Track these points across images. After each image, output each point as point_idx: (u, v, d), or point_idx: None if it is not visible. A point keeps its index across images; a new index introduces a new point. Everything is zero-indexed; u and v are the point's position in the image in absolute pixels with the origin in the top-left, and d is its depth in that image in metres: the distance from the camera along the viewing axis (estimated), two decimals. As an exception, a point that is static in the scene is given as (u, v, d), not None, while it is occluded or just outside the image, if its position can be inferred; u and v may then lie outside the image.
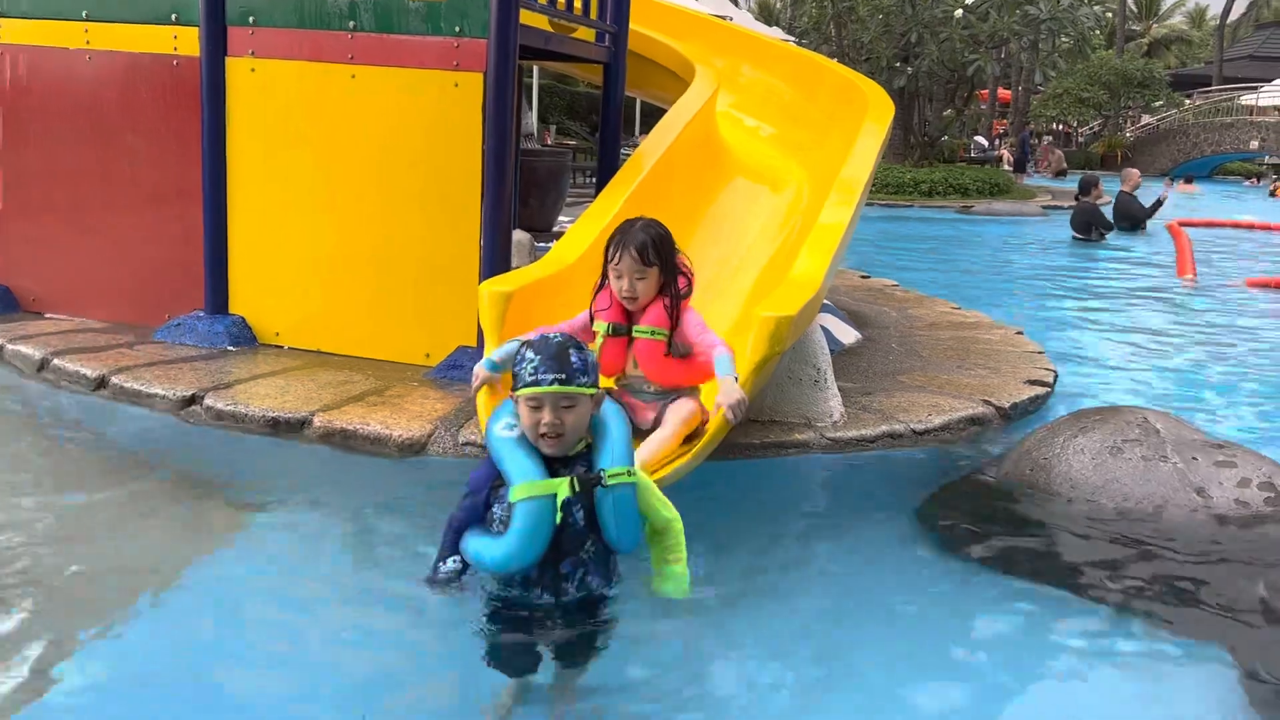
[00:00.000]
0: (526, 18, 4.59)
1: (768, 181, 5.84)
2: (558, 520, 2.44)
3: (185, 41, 4.90)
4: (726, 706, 2.37)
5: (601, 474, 2.49)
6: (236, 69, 4.82)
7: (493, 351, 3.27)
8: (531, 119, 17.33)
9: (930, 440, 4.18)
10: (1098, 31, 32.90)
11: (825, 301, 5.05)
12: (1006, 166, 27.34)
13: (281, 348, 4.94)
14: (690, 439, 3.29)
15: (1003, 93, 37.58)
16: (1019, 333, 6.15)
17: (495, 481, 2.54)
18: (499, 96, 4.41)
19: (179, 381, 4.26)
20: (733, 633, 2.65)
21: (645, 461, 3.03)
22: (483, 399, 3.19)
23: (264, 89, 4.80)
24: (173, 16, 4.94)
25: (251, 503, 3.38)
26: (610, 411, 2.63)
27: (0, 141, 5.29)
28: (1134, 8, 54.25)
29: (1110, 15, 41.60)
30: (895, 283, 7.93)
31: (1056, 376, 5.18)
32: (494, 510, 2.53)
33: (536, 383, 2.46)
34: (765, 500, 3.67)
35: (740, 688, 2.45)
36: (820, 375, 4.15)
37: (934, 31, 19.91)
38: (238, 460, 3.77)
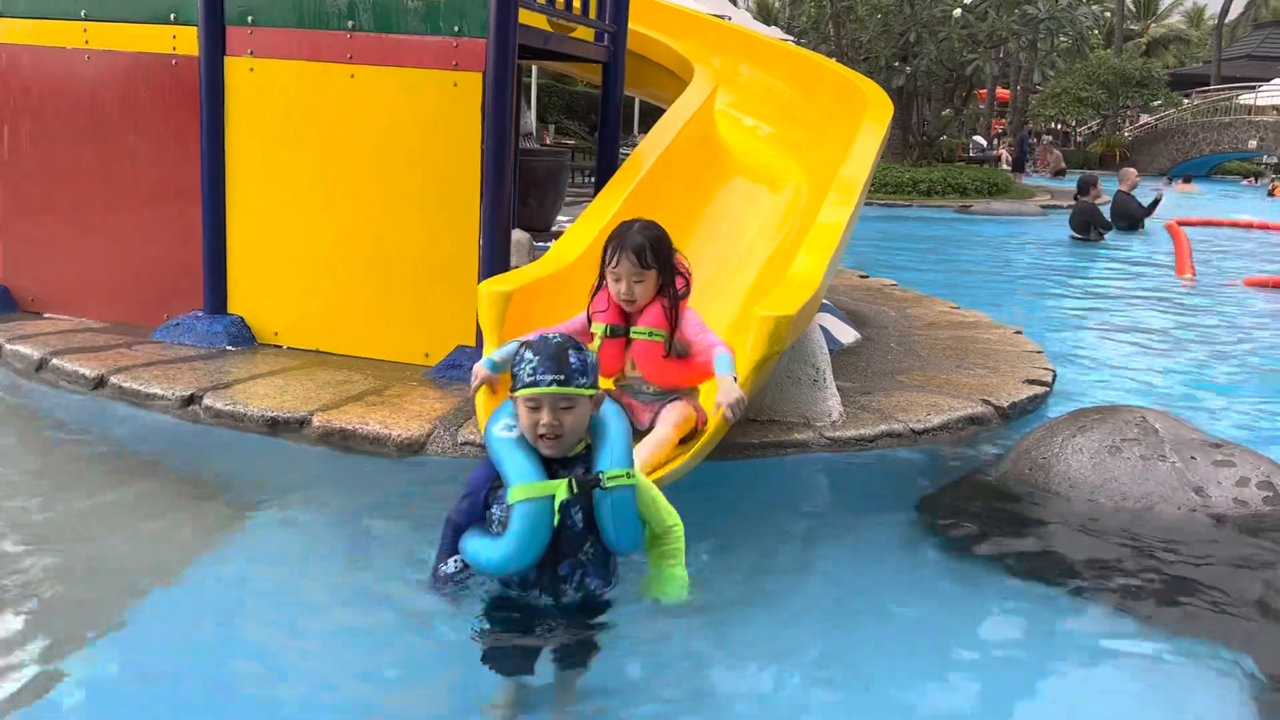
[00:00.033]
0: (525, 17, 4.59)
1: (766, 181, 5.85)
2: (555, 522, 2.43)
3: (184, 41, 4.90)
4: (727, 707, 2.37)
5: (600, 476, 2.48)
6: (235, 68, 4.82)
7: (492, 351, 3.27)
8: (530, 118, 17.34)
9: (929, 440, 4.18)
10: (1096, 31, 32.92)
11: (824, 301, 5.05)
12: (1005, 166, 27.37)
13: (280, 347, 4.94)
14: (686, 441, 3.29)
15: (1001, 92, 37.61)
16: (1018, 332, 6.15)
17: (494, 482, 2.53)
18: (498, 96, 4.41)
19: (178, 381, 4.26)
20: (732, 633, 2.65)
21: (639, 466, 3.02)
22: (482, 399, 3.19)
23: (263, 89, 4.80)
24: (171, 16, 4.93)
25: (250, 502, 3.38)
26: (610, 412, 2.61)
27: (-1, 141, 5.30)
28: (1132, 7, 54.26)
29: (1108, 15, 41.62)
30: (894, 282, 7.93)
31: (1055, 376, 5.19)
32: (493, 511, 2.52)
33: (535, 383, 2.45)
34: (764, 500, 3.67)
35: (740, 689, 2.45)
36: (819, 375, 4.15)
37: (932, 31, 19.92)
38: (237, 460, 3.77)
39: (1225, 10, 44.95)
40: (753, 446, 3.92)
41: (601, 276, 3.35)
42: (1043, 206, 18.24)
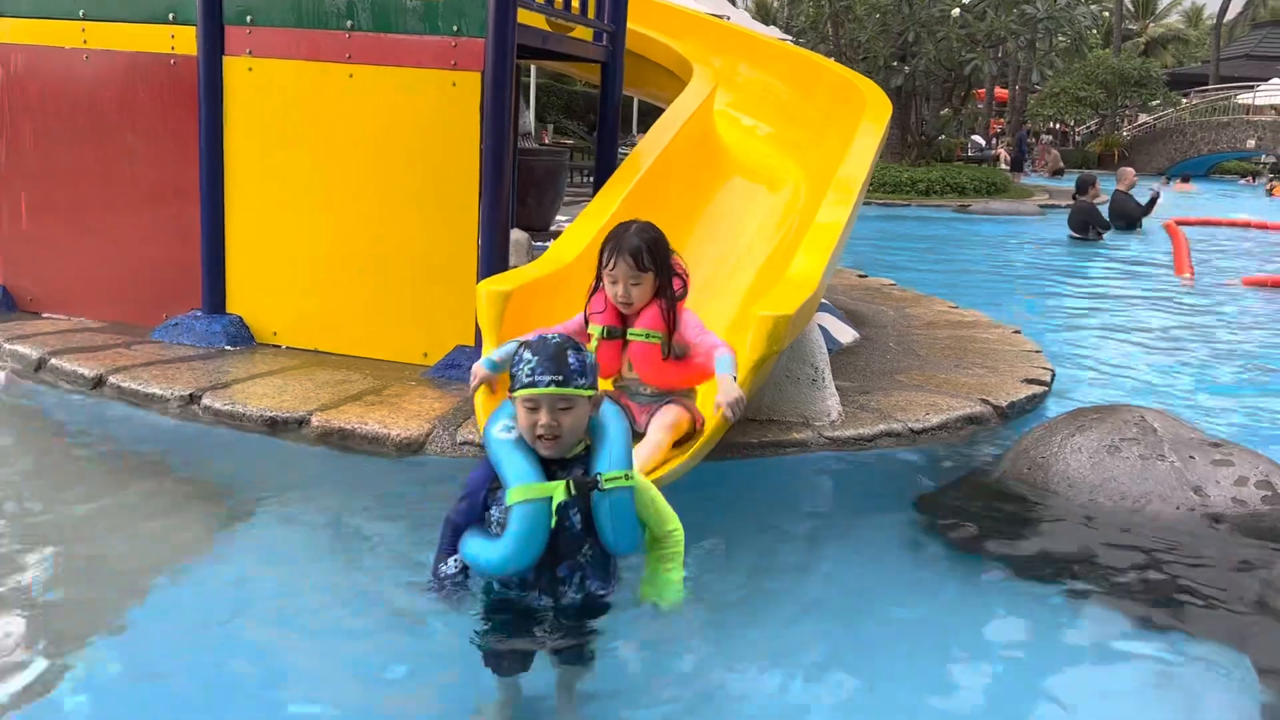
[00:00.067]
0: (524, 17, 4.59)
1: (765, 180, 5.85)
2: (553, 524, 2.42)
3: (183, 41, 4.90)
4: (727, 708, 2.37)
5: (598, 478, 2.46)
6: (234, 68, 4.82)
7: (491, 351, 3.27)
8: (529, 118, 17.34)
9: (928, 439, 4.18)
10: (1094, 30, 32.99)
11: (823, 300, 5.05)
12: (1003, 166, 27.38)
13: (279, 347, 4.94)
14: (681, 444, 3.27)
15: (1000, 92, 37.64)
16: (1016, 332, 6.16)
17: (492, 483, 2.51)
18: (497, 96, 4.41)
19: (177, 381, 4.26)
20: (732, 634, 2.65)
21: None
22: (481, 398, 3.18)
23: (261, 88, 4.80)
24: (170, 16, 4.93)
25: (249, 502, 3.38)
26: (610, 413, 2.60)
27: (-3, 141, 5.30)
28: (1130, 7, 54.29)
29: (1107, 14, 41.66)
30: (893, 282, 7.93)
31: (1054, 375, 5.19)
32: (491, 512, 2.51)
33: (533, 384, 2.44)
34: (763, 499, 3.68)
35: (740, 689, 2.45)
36: (818, 374, 4.15)
37: (931, 30, 19.93)
38: (235, 460, 3.77)
39: (1223, 10, 44.97)
40: (752, 446, 3.92)
41: (598, 278, 3.34)
42: (1041, 206, 18.25)
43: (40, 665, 2.37)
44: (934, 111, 22.54)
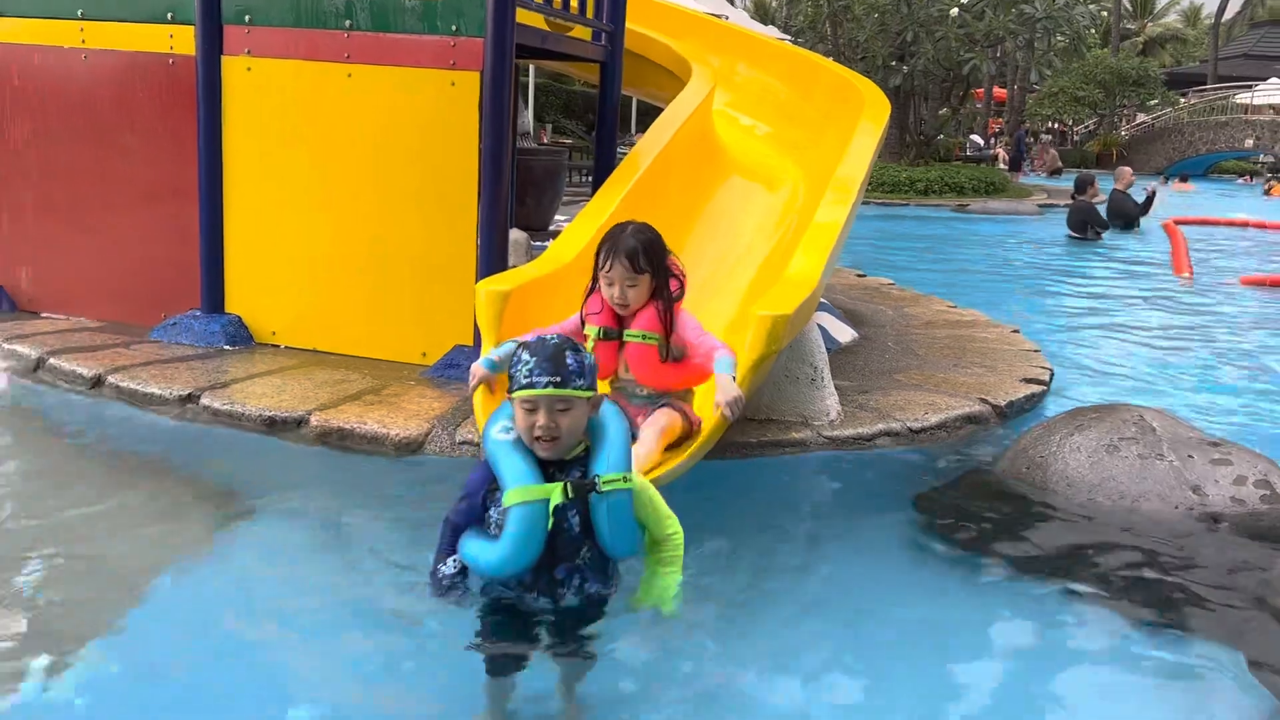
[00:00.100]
0: (523, 16, 4.58)
1: (764, 180, 5.85)
2: (550, 526, 2.41)
3: (181, 40, 4.89)
4: (726, 709, 2.37)
5: (596, 480, 2.45)
6: (232, 68, 4.81)
7: (490, 350, 3.26)
8: (528, 117, 17.34)
9: (927, 439, 4.18)
10: (1093, 30, 32.99)
11: (822, 300, 5.05)
12: (1002, 165, 27.38)
13: (278, 347, 4.93)
14: (675, 447, 3.26)
15: (998, 91, 37.62)
16: (1015, 331, 6.16)
17: (491, 484, 2.50)
18: (495, 95, 4.41)
19: (175, 381, 4.26)
20: (732, 635, 2.65)
21: None
22: (480, 398, 3.18)
23: (260, 88, 4.80)
24: (169, 15, 4.93)
25: (248, 502, 3.38)
26: (610, 415, 2.58)
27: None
28: (1129, 6, 54.29)
29: (1105, 14, 41.66)
30: (891, 281, 7.94)
31: (1052, 375, 5.19)
32: (490, 513, 2.51)
33: (531, 385, 2.43)
34: (762, 499, 3.68)
35: (739, 690, 2.44)
36: (817, 374, 4.15)
37: (929, 30, 19.94)
38: (234, 460, 3.77)
39: (1222, 9, 44.99)
40: (751, 446, 3.92)
41: (595, 279, 3.33)
42: (1040, 205, 18.26)
43: (37, 665, 2.36)
44: (932, 111, 22.54)
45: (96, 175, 5.17)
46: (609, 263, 3.24)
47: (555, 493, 2.42)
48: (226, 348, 4.83)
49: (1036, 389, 4.87)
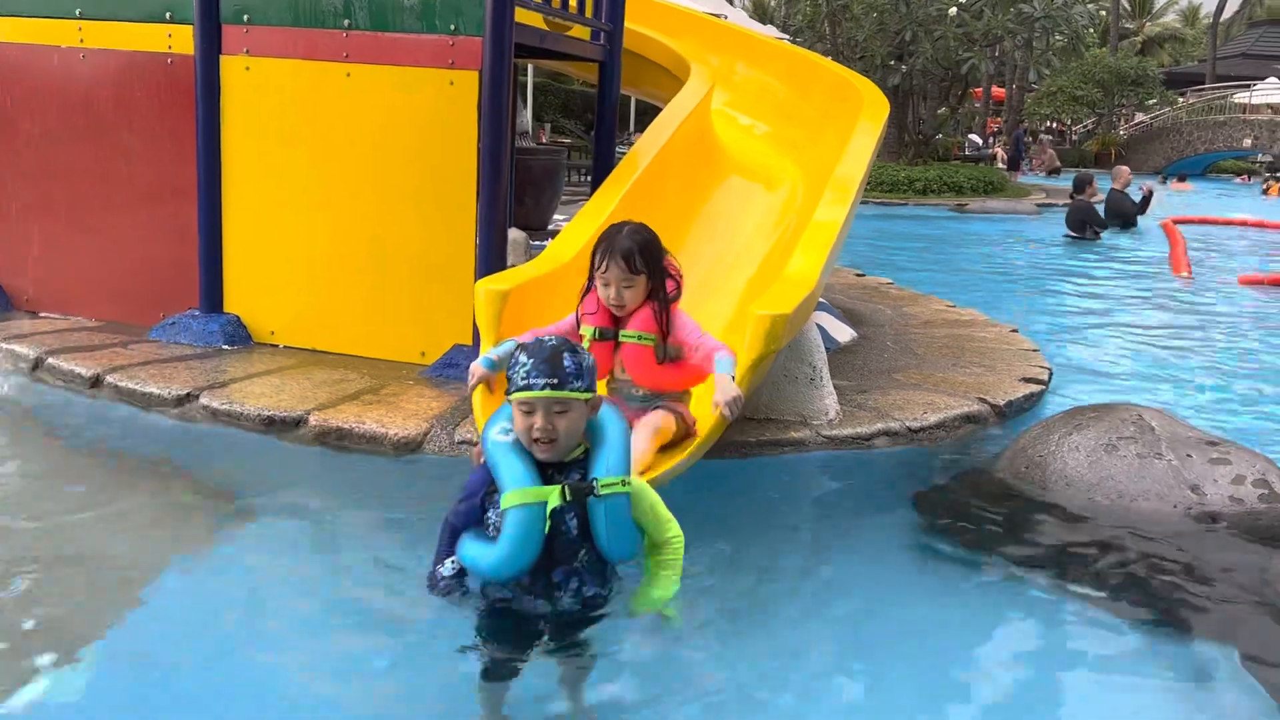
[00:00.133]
0: (522, 16, 4.58)
1: (762, 180, 5.85)
2: (547, 528, 2.40)
3: (180, 40, 4.89)
4: (725, 709, 2.37)
5: (594, 483, 2.44)
6: (231, 67, 4.81)
7: (489, 350, 3.26)
8: (526, 117, 17.34)
9: (925, 438, 4.18)
10: (1091, 29, 32.98)
11: (820, 299, 5.05)
12: (1000, 165, 27.39)
13: (277, 346, 4.93)
14: (669, 448, 3.24)
15: (997, 91, 37.61)
16: (1014, 330, 6.16)
17: (490, 486, 2.50)
18: (494, 95, 4.41)
19: (174, 380, 4.26)
20: (728, 633, 2.65)
21: None
22: (478, 397, 3.18)
23: (259, 87, 4.80)
24: (167, 15, 4.93)
25: (246, 501, 3.38)
26: (609, 417, 2.57)
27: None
28: (1127, 6, 54.30)
29: (1104, 13, 41.66)
30: (890, 281, 7.94)
31: (1051, 374, 5.20)
32: (489, 515, 2.50)
33: (528, 387, 2.42)
34: (761, 498, 3.68)
35: (737, 690, 2.44)
36: (816, 373, 4.15)
37: (928, 29, 19.94)
38: (233, 459, 3.77)
39: (1220, 9, 45.01)
40: (750, 445, 3.92)
41: (591, 279, 3.31)
42: (1038, 205, 18.26)
43: (33, 665, 2.36)
44: (931, 110, 22.55)
45: (95, 175, 5.16)
46: (605, 263, 3.22)
47: (553, 495, 2.41)
48: (225, 347, 4.83)
49: (1035, 388, 4.87)
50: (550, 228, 8.93)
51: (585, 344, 3.27)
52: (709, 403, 3.11)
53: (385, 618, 2.64)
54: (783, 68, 6.90)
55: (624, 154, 5.21)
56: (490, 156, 4.45)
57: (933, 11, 20.02)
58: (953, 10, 20.17)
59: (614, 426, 2.56)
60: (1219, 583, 3.02)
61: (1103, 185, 14.42)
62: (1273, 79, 38.33)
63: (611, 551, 2.49)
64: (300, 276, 4.86)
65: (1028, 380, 4.95)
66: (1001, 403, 4.56)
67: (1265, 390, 5.61)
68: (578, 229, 4.28)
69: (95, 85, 5.10)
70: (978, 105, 35.76)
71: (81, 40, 5.08)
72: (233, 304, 4.97)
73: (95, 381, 4.30)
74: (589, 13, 5.61)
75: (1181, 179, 28.35)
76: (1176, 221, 13.88)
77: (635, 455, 3.06)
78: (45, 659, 2.39)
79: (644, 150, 5.04)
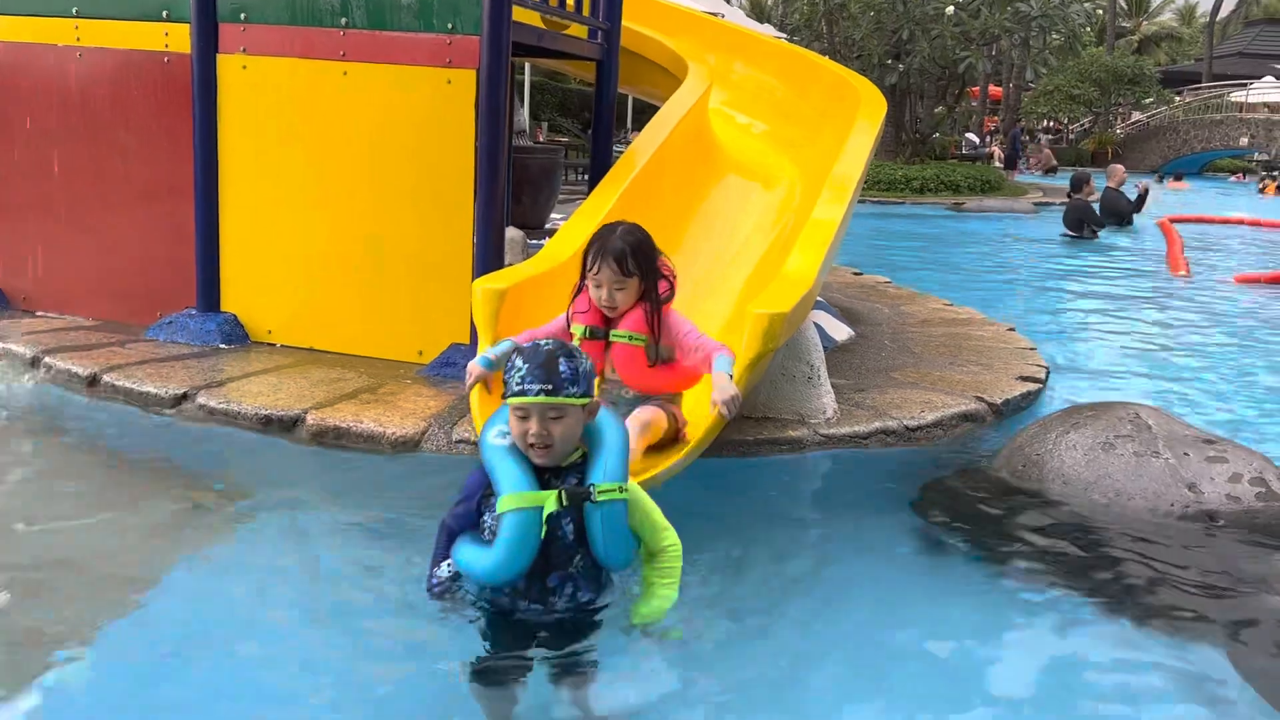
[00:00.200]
0: (519, 14, 4.58)
1: (760, 179, 5.85)
2: (544, 533, 2.39)
3: (176, 38, 4.88)
4: (723, 710, 2.37)
5: (591, 489, 2.42)
6: (228, 66, 4.80)
7: (486, 349, 3.25)
8: (524, 115, 17.31)
9: (923, 437, 4.18)
10: (1088, 28, 33.01)
11: (818, 298, 5.05)
12: (997, 163, 27.41)
13: (274, 345, 4.93)
14: (659, 448, 3.23)
15: (994, 90, 37.67)
16: (1011, 329, 6.17)
17: (486, 490, 2.48)
18: (492, 93, 4.40)
19: (171, 379, 4.25)
20: (726, 632, 2.65)
21: None
22: (476, 396, 3.18)
23: (256, 86, 4.79)
24: (164, 13, 4.92)
25: (244, 501, 3.37)
26: (607, 422, 2.55)
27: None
28: (1124, 5, 54.38)
29: (1101, 12, 41.73)
30: (887, 279, 7.94)
31: (1048, 373, 5.20)
32: (485, 518, 2.49)
33: (523, 392, 2.39)
34: (758, 497, 3.68)
35: (736, 690, 2.44)
36: (814, 372, 4.15)
37: (925, 28, 19.96)
38: (230, 458, 3.76)
39: (1217, 8, 45.08)
40: (748, 444, 3.92)
41: (583, 279, 3.29)
42: (1035, 204, 18.29)
43: (30, 662, 2.36)
44: (928, 109, 22.56)
45: (92, 174, 5.15)
46: (597, 265, 3.19)
47: (550, 500, 2.39)
48: (222, 346, 4.82)
49: (1032, 387, 4.87)
50: (548, 226, 8.93)
51: (575, 342, 3.24)
52: (706, 403, 3.10)
53: (382, 618, 2.64)
54: (780, 66, 6.90)
55: (621, 152, 5.20)
56: (487, 155, 4.45)
57: (930, 10, 20.04)
58: (950, 9, 20.19)
59: (612, 431, 2.54)
60: (1215, 581, 3.02)
61: (1099, 184, 14.44)
62: (1269, 78, 38.39)
63: (607, 558, 2.47)
64: (297, 275, 4.86)
65: (1025, 379, 4.96)
66: (999, 401, 4.56)
67: (1262, 389, 5.62)
68: (575, 227, 4.28)
69: (92, 84, 5.09)
70: (975, 104, 35.85)
71: (78, 39, 5.07)
72: (230, 303, 4.97)
73: (92, 380, 4.30)
74: (586, 11, 5.60)
75: (1178, 178, 28.39)
76: (1173, 220, 13.90)
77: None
78: (40, 658, 2.38)
79: (641, 149, 5.04)
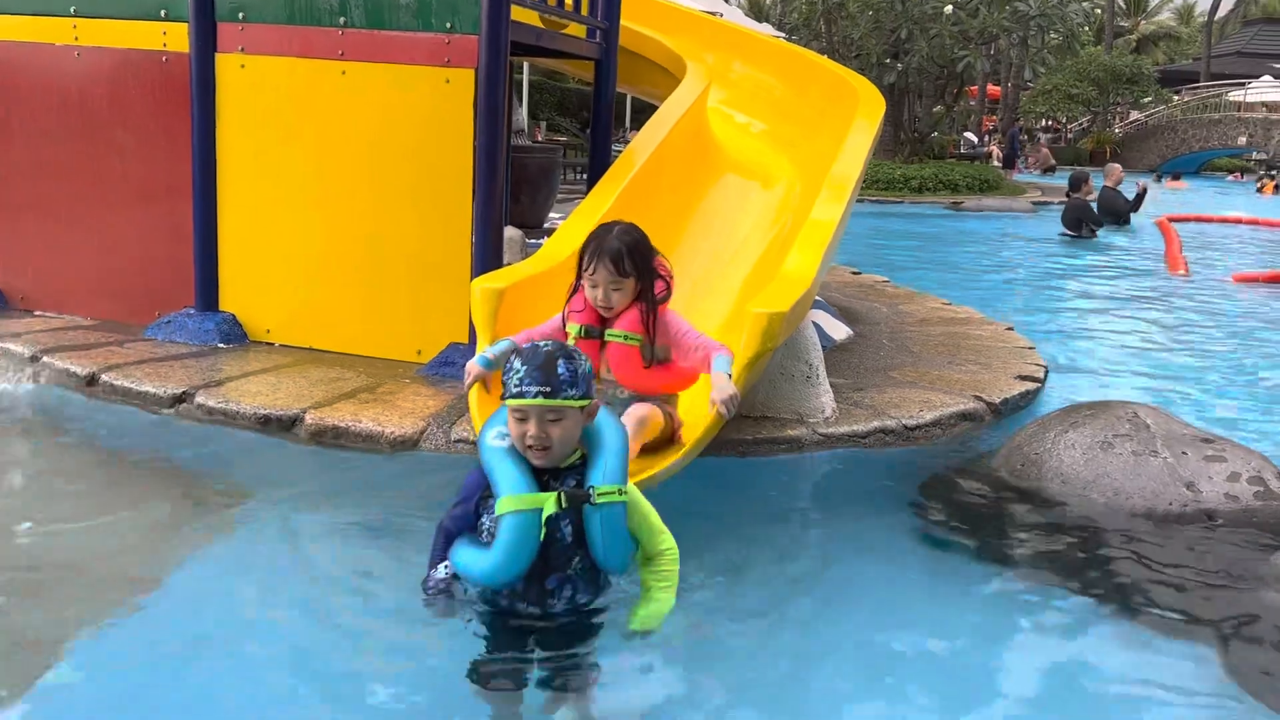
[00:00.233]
0: (518, 14, 4.58)
1: (759, 178, 5.85)
2: (542, 535, 2.38)
3: (175, 37, 4.88)
4: (722, 710, 2.37)
5: (590, 491, 2.42)
6: (226, 65, 4.80)
7: (485, 348, 3.24)
8: (522, 115, 17.31)
9: (922, 436, 4.19)
10: (1086, 28, 33.03)
11: (817, 297, 5.06)
12: (996, 163, 27.42)
13: (272, 345, 4.92)
14: (653, 448, 3.23)
15: (992, 89, 37.68)
16: (1009, 328, 6.17)
17: (484, 491, 2.48)
18: (490, 93, 4.40)
19: (169, 379, 4.25)
20: (725, 636, 2.65)
21: None
22: (475, 396, 3.17)
23: (254, 85, 4.79)
24: (162, 12, 4.91)
25: (243, 501, 3.37)
26: (607, 423, 2.54)
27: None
28: (1122, 4, 54.40)
29: (1099, 11, 41.76)
30: (886, 279, 7.95)
31: (1047, 372, 5.21)
32: (483, 520, 2.48)
33: (521, 394, 2.39)
34: (757, 497, 3.68)
35: (733, 691, 2.44)
36: (812, 371, 4.16)
37: (924, 28, 19.96)
38: (229, 458, 3.76)
39: (1215, 7, 45.11)
40: (746, 443, 3.92)
41: (579, 277, 3.27)
42: (1034, 203, 18.30)
43: (29, 662, 2.36)
44: (927, 108, 22.56)
45: (90, 173, 5.15)
46: (593, 265, 3.18)
47: (548, 502, 2.39)
48: (221, 346, 4.82)
49: (1031, 386, 4.88)
50: (546, 226, 8.92)
51: (570, 340, 3.22)
52: (705, 402, 3.10)
53: (380, 619, 2.64)
54: (779, 66, 6.90)
55: (620, 152, 5.20)
56: (486, 154, 4.45)
57: (928, 9, 20.04)
58: (948, 8, 20.18)
59: (611, 433, 2.53)
60: (1213, 580, 3.02)
61: (1097, 183, 14.44)
62: (1267, 77, 38.44)
63: (606, 560, 2.46)
64: (296, 275, 4.86)
65: (1023, 378, 4.96)
66: (997, 400, 4.57)
67: (1260, 388, 5.63)
68: (574, 227, 4.27)
69: (90, 83, 5.08)
70: (973, 103, 35.85)
71: (76, 38, 5.06)
72: (228, 302, 4.96)
73: (90, 380, 4.29)
74: (585, 10, 5.60)
75: (1176, 177, 28.41)
76: (1171, 219, 13.91)
77: None
78: (38, 659, 2.38)
79: (640, 148, 5.04)
